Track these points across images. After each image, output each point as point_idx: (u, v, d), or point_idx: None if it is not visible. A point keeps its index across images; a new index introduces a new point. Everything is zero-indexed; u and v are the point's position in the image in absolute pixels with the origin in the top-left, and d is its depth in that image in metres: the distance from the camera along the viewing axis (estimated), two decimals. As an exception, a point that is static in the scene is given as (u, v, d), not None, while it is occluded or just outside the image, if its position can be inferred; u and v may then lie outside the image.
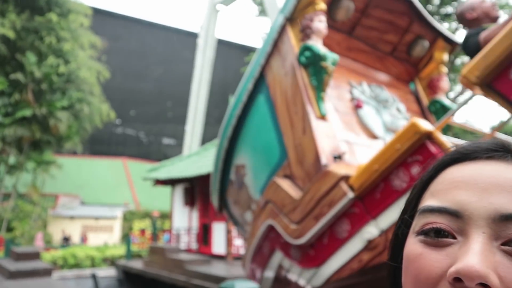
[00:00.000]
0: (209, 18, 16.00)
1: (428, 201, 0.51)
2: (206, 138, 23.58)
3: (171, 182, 15.95)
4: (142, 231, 20.89)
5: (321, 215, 3.60)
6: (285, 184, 4.20)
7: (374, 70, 5.29)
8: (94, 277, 12.30)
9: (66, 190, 27.28)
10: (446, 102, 5.21)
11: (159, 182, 16.22)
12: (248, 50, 36.76)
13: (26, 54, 19.43)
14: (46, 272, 7.79)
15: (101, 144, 39.91)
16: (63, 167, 22.27)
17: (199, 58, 23.04)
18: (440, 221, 0.47)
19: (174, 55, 45.91)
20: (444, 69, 5.34)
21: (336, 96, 4.54)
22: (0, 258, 10.71)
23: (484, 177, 0.47)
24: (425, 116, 5.23)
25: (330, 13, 4.50)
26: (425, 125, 2.85)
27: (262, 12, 26.70)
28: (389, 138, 4.47)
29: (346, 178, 3.42)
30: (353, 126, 4.46)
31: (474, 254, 0.43)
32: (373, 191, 3.26)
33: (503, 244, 0.44)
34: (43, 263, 8.94)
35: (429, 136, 2.81)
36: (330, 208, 3.51)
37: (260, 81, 4.79)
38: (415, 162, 2.93)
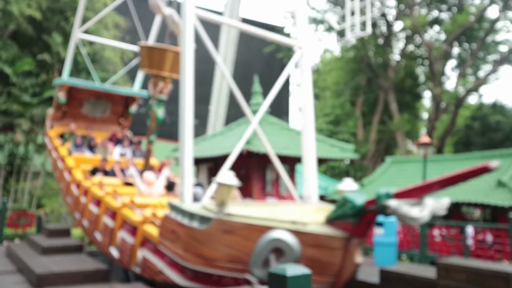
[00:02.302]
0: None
1: None
2: (230, 118, 23.51)
3: (196, 162, 15.95)
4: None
5: None
6: None
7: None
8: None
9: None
10: None
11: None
12: (272, 29, 36.26)
13: (52, 35, 19.62)
14: (77, 248, 7.98)
15: (125, 123, 40.28)
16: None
17: (223, 37, 22.76)
18: None
19: (196, 33, 45.49)
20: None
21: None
22: (33, 234, 11.03)
23: None
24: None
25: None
26: None
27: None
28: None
29: None
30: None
31: None
32: None
33: None
34: (73, 239, 9.17)
35: None
36: None
37: None
38: None
